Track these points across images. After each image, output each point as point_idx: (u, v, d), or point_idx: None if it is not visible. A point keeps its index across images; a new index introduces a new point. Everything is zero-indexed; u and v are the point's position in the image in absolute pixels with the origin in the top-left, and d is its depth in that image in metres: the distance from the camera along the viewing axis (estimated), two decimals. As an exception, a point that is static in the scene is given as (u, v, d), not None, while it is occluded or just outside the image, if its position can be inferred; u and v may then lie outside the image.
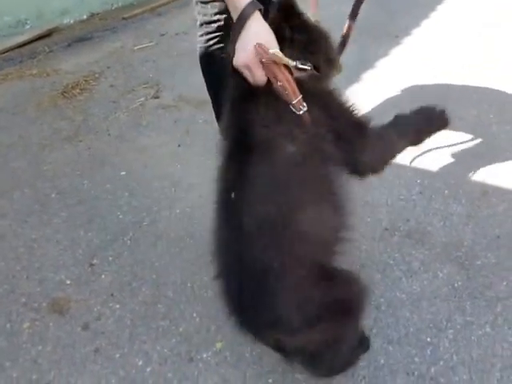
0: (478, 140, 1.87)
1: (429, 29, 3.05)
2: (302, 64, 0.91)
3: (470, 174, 1.68)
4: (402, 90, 2.29)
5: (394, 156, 1.06)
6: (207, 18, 1.49)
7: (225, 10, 1.42)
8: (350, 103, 1.00)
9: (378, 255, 1.42)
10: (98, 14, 4.17)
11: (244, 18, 0.87)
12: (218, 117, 1.63)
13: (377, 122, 1.03)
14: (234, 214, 0.87)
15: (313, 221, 0.88)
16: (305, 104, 0.88)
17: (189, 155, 2.00)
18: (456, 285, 1.30)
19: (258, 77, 0.89)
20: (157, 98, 2.53)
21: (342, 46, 1.19)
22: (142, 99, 2.52)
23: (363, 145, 0.99)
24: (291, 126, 0.90)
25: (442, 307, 1.24)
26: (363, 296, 0.94)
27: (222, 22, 1.46)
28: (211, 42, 1.52)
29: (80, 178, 1.92)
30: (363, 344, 1.14)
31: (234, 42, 0.89)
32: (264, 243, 0.84)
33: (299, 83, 0.89)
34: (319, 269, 0.88)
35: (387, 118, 1.08)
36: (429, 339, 1.17)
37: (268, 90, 0.90)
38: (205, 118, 2.20)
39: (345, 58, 1.15)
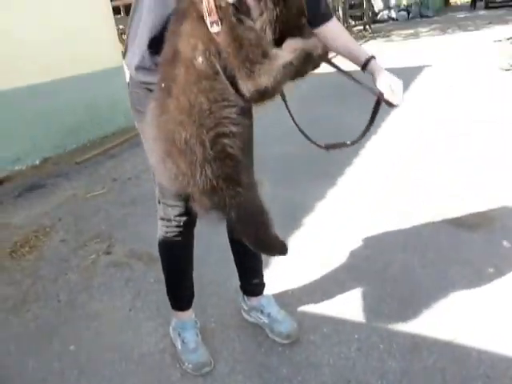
0: (403, 285, 2.08)
1: (361, 168, 3.47)
2: None
3: (401, 325, 1.85)
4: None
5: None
6: (167, 217, 1.61)
7: (185, 213, 1.56)
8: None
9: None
10: (50, 158, 4.40)
11: None
12: None
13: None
14: None
15: None
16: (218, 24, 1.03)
17: (140, 320, 2.05)
18: None
19: None
20: (108, 253, 2.63)
21: None
22: (94, 256, 2.60)
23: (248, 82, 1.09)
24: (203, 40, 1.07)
25: None
26: None
27: (182, 224, 1.60)
28: (169, 235, 1.65)
29: (25, 356, 1.89)
30: None
31: None
32: None
33: (223, 11, 1.04)
34: None
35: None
36: None
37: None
38: (156, 277, 2.29)
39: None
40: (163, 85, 1.14)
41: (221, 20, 1.03)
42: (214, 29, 1.04)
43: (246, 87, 1.08)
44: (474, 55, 7.94)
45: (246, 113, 1.25)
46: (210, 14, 1.03)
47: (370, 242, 2.44)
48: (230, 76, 1.08)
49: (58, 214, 3.21)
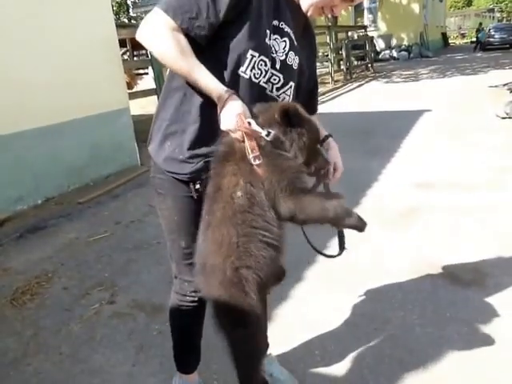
0: (402, 345, 2.11)
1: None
2: (267, 134, 1.23)
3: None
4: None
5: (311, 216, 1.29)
6: (182, 292, 1.63)
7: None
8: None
9: None
10: (53, 198, 4.44)
11: (223, 99, 1.24)
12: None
13: None
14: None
15: None
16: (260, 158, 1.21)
17: (144, 376, 2.05)
18: None
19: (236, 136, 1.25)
20: (112, 303, 2.64)
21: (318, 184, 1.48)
22: (97, 305, 2.62)
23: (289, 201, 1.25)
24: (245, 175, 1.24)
25: None
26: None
27: (196, 299, 1.60)
28: (183, 308, 1.64)
29: (28, 415, 1.89)
30: None
31: (219, 114, 1.26)
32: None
33: (260, 146, 1.22)
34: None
35: None
36: None
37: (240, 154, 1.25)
38: (160, 329, 2.31)
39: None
40: (207, 217, 1.32)
41: (261, 155, 1.22)
42: (256, 162, 1.22)
43: (287, 206, 1.24)
44: (471, 101, 8.24)
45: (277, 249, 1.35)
46: (252, 151, 1.21)
47: (368, 297, 2.48)
48: (271, 199, 1.24)
49: (61, 258, 3.24)
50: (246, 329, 1.37)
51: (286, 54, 1.38)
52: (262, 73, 1.34)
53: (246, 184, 1.24)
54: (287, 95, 1.43)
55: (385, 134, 6.28)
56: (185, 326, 1.75)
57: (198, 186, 1.42)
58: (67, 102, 4.54)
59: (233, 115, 1.23)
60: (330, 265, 2.85)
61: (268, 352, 1.95)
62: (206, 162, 1.37)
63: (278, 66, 1.37)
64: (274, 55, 1.35)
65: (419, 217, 3.44)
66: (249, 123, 1.22)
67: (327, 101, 10.16)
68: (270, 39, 1.33)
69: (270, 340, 1.97)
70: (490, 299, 2.37)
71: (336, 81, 13.02)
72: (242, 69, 1.32)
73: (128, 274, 2.92)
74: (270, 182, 1.22)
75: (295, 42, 1.41)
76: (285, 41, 1.38)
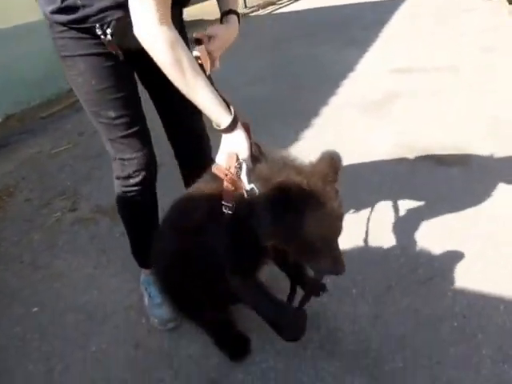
0: (378, 224, 1.99)
1: (336, 107, 3.29)
2: (251, 189, 1.10)
3: (374, 269, 1.77)
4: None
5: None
6: (123, 175, 1.48)
7: (144, 167, 1.45)
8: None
9: (293, 374, 1.43)
10: (14, 114, 4.13)
11: (227, 126, 1.14)
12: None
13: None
14: None
15: None
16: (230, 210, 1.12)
17: (105, 278, 1.96)
18: (367, 399, 1.33)
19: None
20: (74, 210, 2.50)
21: None
22: (59, 214, 2.48)
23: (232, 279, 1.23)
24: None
25: (355, 429, 1.26)
26: None
27: (140, 180, 1.47)
28: (128, 195, 1.52)
29: (-13, 322, 1.81)
30: None
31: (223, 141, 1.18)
32: None
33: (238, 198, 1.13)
34: None
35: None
36: None
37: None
38: (122, 231, 2.17)
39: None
40: None
41: (234, 208, 1.14)
42: (224, 211, 1.13)
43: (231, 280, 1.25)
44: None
45: None
46: (225, 198, 1.13)
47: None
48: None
49: (22, 172, 3.05)
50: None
51: None
52: None
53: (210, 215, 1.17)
54: None
55: (364, 24, 5.74)
56: (136, 217, 1.60)
57: (109, 31, 1.15)
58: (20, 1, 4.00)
59: (226, 153, 1.16)
60: (306, 147, 2.68)
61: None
62: None
63: None
64: None
65: (400, 102, 3.18)
66: (239, 167, 1.12)
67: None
68: None
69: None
70: (473, 179, 2.22)
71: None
72: None
73: (91, 181, 2.75)
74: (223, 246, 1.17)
75: None
76: None
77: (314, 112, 3.21)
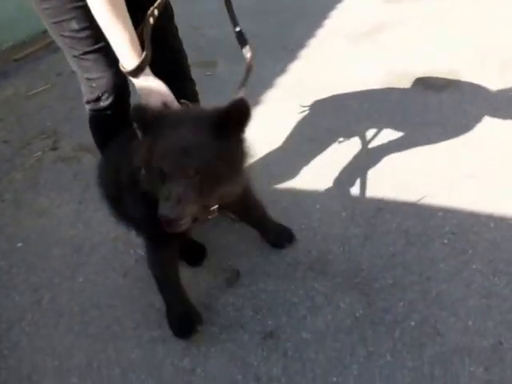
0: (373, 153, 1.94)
1: (324, 38, 3.14)
2: None
3: (364, 193, 1.74)
4: (306, 106, 2.32)
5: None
6: (93, 97, 1.42)
7: (113, 86, 1.37)
8: None
9: (283, 294, 1.43)
10: (-14, 57, 3.90)
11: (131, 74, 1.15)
12: None
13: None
14: None
15: None
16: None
17: (90, 213, 1.91)
18: (357, 314, 1.34)
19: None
20: (55, 149, 2.40)
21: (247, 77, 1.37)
22: (39, 153, 2.38)
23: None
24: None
25: (346, 341, 1.27)
26: None
27: (111, 102, 1.40)
28: (100, 120, 1.49)
29: (-28, 257, 1.77)
30: None
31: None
32: None
33: None
34: None
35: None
36: (335, 379, 1.19)
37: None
38: (105, 167, 2.12)
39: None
40: None
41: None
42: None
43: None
44: None
45: None
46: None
47: (333, 111, 2.25)
48: None
49: (-1, 114, 2.91)
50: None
51: None
52: None
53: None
54: None
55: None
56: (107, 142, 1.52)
57: None
58: None
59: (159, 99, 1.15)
60: (291, 78, 2.58)
61: None
62: None
63: None
64: None
65: (390, 31, 3.03)
66: None
67: None
68: None
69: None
70: (464, 101, 2.16)
71: None
72: None
73: (71, 121, 2.63)
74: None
75: None
76: None
77: (300, 44, 3.06)
